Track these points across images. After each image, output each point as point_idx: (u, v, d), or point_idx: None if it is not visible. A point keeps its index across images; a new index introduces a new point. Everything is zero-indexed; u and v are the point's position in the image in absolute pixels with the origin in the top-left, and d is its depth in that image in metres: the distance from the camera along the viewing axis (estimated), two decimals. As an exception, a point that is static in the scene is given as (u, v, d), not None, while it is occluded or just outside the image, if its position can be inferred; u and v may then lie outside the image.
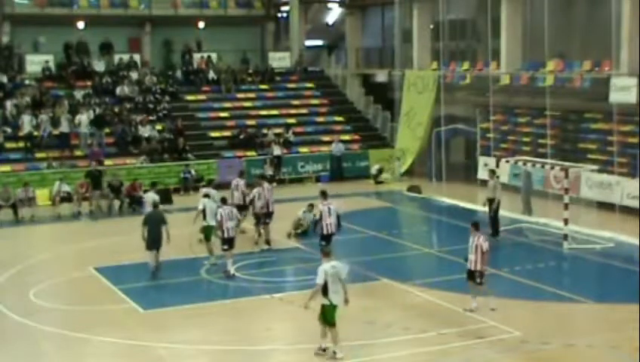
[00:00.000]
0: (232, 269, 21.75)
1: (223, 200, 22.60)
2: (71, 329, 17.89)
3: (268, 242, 24.62)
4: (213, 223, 22.52)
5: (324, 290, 15.74)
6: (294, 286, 21.15)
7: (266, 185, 25.19)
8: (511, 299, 19.69)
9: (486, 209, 26.14)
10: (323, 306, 15.80)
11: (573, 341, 16.63)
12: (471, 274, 18.58)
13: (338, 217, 22.18)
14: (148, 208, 24.72)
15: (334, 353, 15.78)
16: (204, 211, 23.21)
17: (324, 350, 15.92)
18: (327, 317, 15.76)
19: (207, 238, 23.25)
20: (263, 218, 24.62)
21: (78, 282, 21.96)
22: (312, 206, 25.49)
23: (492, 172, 26.66)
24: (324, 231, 21.88)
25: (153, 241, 21.95)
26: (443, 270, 22.55)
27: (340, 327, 17.56)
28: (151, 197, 25.95)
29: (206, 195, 24.23)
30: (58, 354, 16.94)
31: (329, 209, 21.99)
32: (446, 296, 19.63)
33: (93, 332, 17.49)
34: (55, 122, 35.64)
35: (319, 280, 15.67)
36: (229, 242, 21.79)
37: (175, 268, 22.83)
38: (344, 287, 15.88)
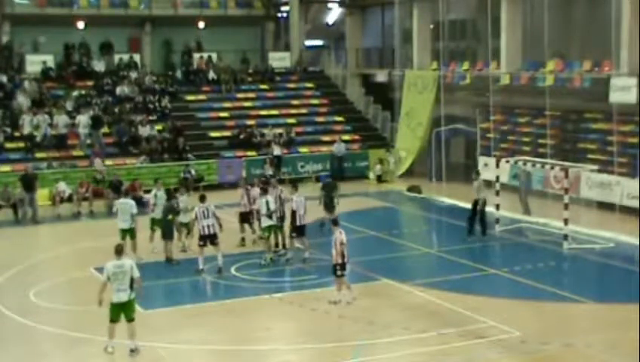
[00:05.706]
0: (201, 265, 21.85)
1: (202, 198, 22.44)
2: (71, 329, 17.87)
3: (284, 245, 24.22)
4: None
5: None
6: (294, 286, 21.14)
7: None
8: (511, 299, 19.70)
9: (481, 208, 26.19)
10: (111, 304, 16.23)
11: (572, 341, 16.60)
12: (333, 268, 18.96)
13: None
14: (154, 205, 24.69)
15: (131, 351, 16.14)
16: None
17: (133, 350, 16.25)
18: (111, 314, 16.14)
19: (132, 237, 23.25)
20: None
21: (78, 282, 21.91)
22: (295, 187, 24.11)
23: (476, 173, 26.82)
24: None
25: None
26: (443, 270, 22.53)
27: (340, 327, 17.61)
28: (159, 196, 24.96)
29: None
30: (58, 354, 16.92)
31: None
32: (446, 296, 19.61)
33: (93, 332, 17.41)
34: (54, 122, 35.64)
35: (102, 278, 16.28)
36: (204, 239, 21.99)
37: (175, 268, 22.88)
38: (138, 284, 16.42)
